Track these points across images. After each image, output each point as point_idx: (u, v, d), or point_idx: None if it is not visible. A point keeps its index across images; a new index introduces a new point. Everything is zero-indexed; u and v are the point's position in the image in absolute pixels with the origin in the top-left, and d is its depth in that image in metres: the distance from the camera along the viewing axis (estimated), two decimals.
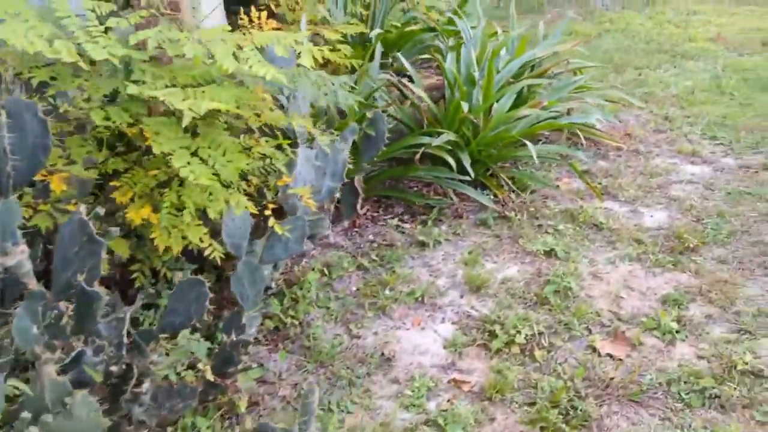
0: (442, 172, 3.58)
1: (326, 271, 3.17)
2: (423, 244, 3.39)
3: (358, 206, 3.53)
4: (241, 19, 3.41)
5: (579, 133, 4.44)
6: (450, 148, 3.56)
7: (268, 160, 2.60)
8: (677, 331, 2.68)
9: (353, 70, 4.28)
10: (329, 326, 2.84)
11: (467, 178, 3.55)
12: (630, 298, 2.93)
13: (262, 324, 2.79)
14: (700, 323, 2.73)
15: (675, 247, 3.26)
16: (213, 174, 2.10)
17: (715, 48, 6.81)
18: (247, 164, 2.21)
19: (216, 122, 2.31)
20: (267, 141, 2.50)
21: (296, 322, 2.82)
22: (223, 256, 2.31)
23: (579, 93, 4.45)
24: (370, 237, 3.51)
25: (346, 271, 3.20)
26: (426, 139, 3.53)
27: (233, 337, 2.31)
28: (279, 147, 2.57)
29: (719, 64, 6.24)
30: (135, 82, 2.09)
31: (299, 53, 2.17)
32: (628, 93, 5.44)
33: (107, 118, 2.04)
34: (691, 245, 3.25)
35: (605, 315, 2.82)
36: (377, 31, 4.43)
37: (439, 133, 3.52)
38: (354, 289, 3.08)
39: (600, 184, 3.94)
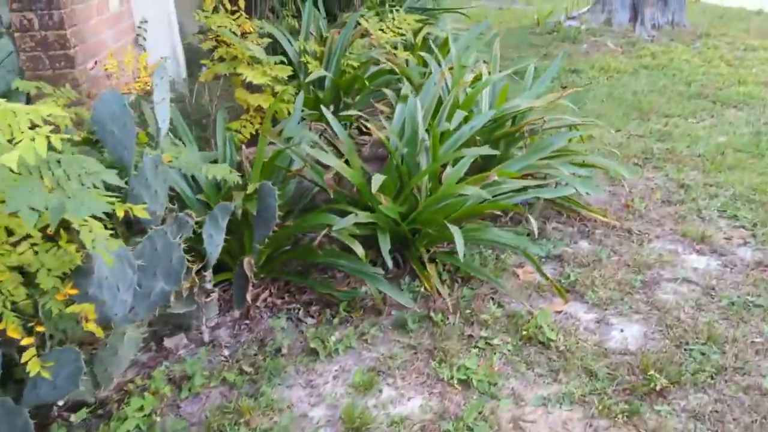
0: (351, 260, 2.86)
1: (175, 387, 2.52)
2: (316, 353, 2.69)
3: (248, 295, 2.86)
4: None
5: (564, 204, 3.69)
6: (362, 231, 2.85)
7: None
8: None
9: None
10: None
11: (382, 270, 2.84)
12: None
13: None
14: None
15: (637, 387, 2.45)
16: None
17: (766, 94, 5.83)
18: None
19: None
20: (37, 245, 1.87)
21: None
22: None
23: (564, 155, 3.66)
24: (260, 334, 2.83)
25: (204, 387, 2.53)
26: (336, 218, 2.84)
27: None
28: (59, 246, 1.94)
29: (765, 116, 5.28)
30: None
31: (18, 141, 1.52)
32: (643, 150, 4.59)
33: None
34: (660, 386, 2.42)
35: None
36: (325, 74, 3.77)
37: (349, 212, 2.82)
38: (203, 415, 2.42)
39: (568, 277, 3.14)
